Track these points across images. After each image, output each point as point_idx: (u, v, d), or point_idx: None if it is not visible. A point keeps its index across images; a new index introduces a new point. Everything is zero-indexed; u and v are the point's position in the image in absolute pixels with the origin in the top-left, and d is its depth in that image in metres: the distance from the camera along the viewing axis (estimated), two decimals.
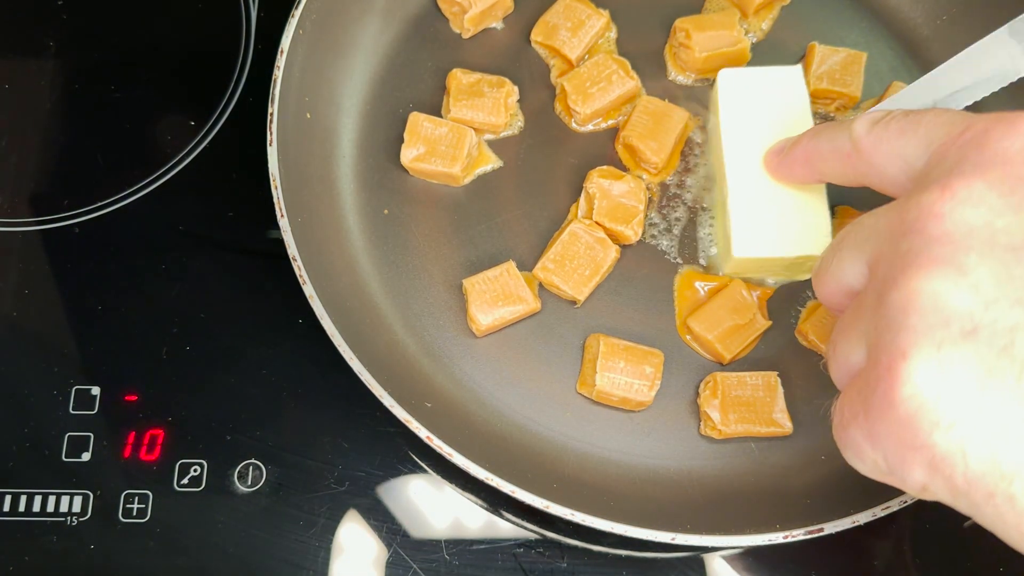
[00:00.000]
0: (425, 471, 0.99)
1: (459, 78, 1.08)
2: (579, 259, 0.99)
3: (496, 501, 0.98)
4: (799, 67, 1.03)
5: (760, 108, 1.01)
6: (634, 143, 1.05)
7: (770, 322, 1.00)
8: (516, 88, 1.08)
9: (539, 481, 0.88)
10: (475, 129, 1.07)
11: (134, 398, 1.00)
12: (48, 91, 1.16)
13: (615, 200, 1.01)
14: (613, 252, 1.00)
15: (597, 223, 1.01)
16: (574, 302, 1.01)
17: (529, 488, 0.85)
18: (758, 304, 1.01)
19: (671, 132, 1.05)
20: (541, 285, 1.02)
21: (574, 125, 1.09)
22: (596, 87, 1.06)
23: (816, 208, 0.97)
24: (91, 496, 0.96)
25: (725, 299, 0.99)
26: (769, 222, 0.97)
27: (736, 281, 1.00)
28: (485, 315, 0.98)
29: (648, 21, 1.14)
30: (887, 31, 1.16)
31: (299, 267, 0.91)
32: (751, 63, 1.11)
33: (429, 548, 0.96)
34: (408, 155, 1.04)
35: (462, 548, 0.96)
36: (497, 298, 0.98)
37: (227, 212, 1.09)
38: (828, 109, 1.10)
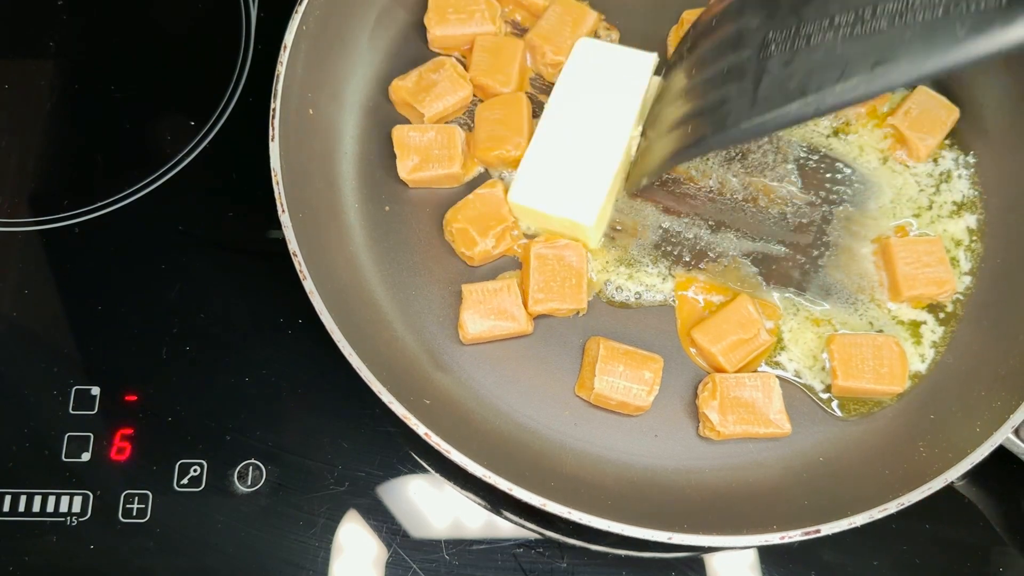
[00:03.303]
0: (425, 471, 1.01)
1: (401, 87, 1.11)
2: (559, 275, 1.02)
3: (496, 501, 1.00)
4: (654, 55, 1.08)
5: (599, 80, 1.07)
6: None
7: (774, 339, 1.03)
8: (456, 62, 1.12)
9: (537, 479, 0.90)
10: (451, 113, 1.12)
11: (134, 398, 1.02)
12: (48, 91, 1.18)
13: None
14: (584, 250, 1.04)
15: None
16: (578, 312, 1.04)
17: (526, 486, 0.87)
18: (763, 319, 1.03)
19: (519, 118, 1.09)
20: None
21: None
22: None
23: (598, 182, 1.02)
24: (91, 496, 0.98)
25: (730, 313, 1.02)
26: (551, 180, 1.03)
27: (742, 296, 1.03)
28: (474, 324, 1.01)
29: (651, 19, 1.18)
30: None
31: (299, 262, 0.93)
32: None
33: (429, 548, 0.98)
34: (405, 168, 1.07)
35: (462, 548, 0.98)
36: (491, 311, 1.01)
37: (227, 212, 1.11)
38: (864, 106, 1.13)
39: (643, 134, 1.06)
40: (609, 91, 1.06)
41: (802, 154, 1.11)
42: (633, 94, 1.06)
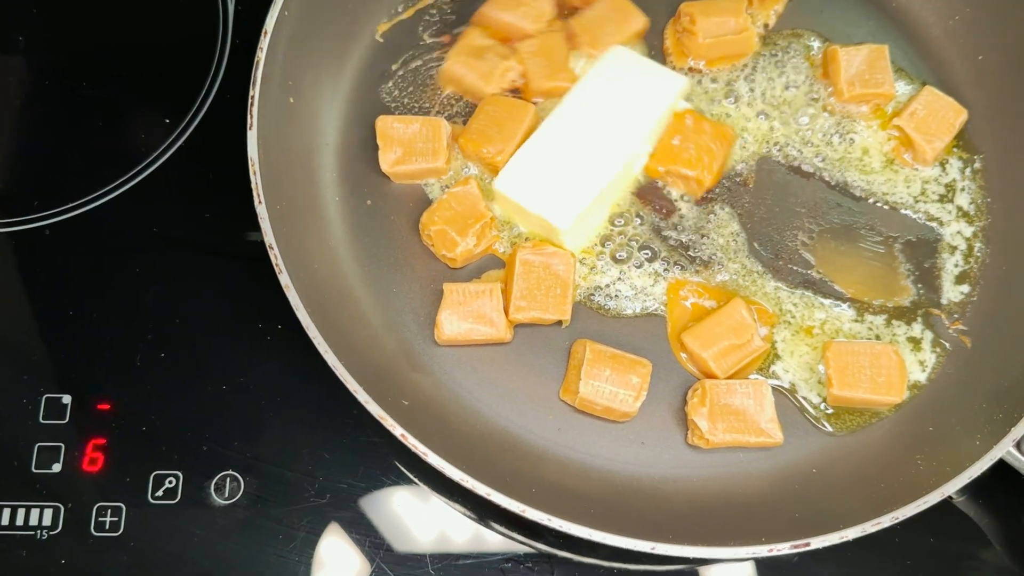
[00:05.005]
0: (410, 482, 1.04)
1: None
2: (544, 283, 1.05)
3: (483, 513, 1.03)
4: (684, 79, 1.11)
5: (621, 90, 1.10)
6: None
7: (768, 345, 1.07)
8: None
9: (517, 485, 0.92)
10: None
11: (107, 407, 1.05)
12: (17, 88, 1.20)
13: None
14: (572, 259, 1.06)
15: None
16: (561, 323, 1.07)
17: (506, 492, 0.89)
18: (757, 324, 1.07)
19: (517, 127, 1.12)
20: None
21: None
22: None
23: (585, 190, 1.06)
24: (62, 509, 1.01)
25: (723, 317, 1.05)
26: (540, 176, 1.07)
27: (736, 300, 1.06)
28: (451, 325, 1.04)
29: (649, 11, 1.21)
30: (896, 30, 1.23)
31: (275, 255, 0.96)
32: (758, 53, 1.19)
33: (413, 563, 1.01)
34: (388, 160, 1.10)
35: (448, 563, 1.01)
36: (469, 314, 1.04)
37: (204, 213, 1.14)
38: (869, 106, 1.17)
39: None
40: (627, 103, 1.09)
41: (800, 158, 1.16)
42: (650, 112, 1.09)
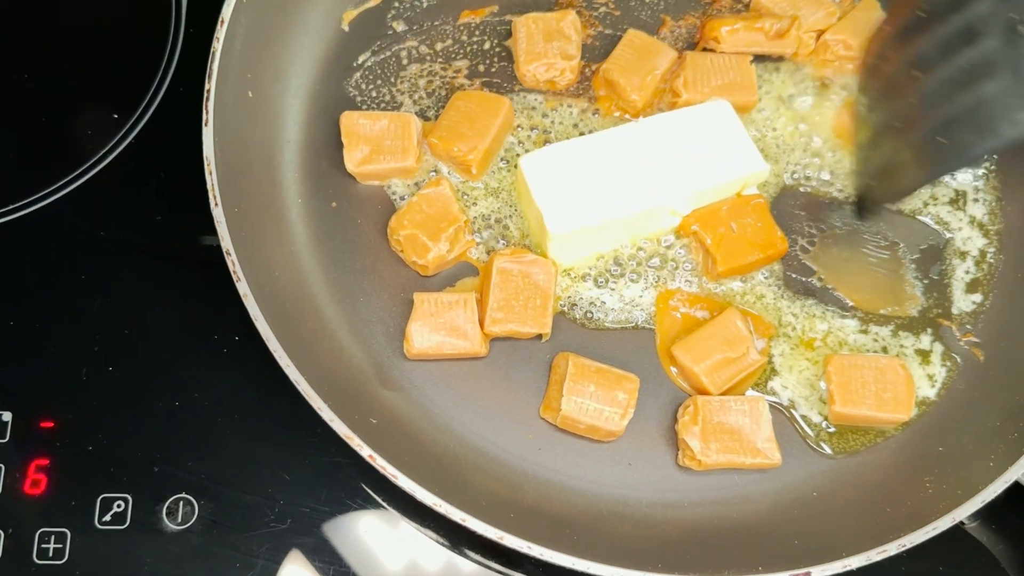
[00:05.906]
0: (378, 506, 1.02)
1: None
2: (522, 293, 1.03)
3: (457, 540, 1.01)
4: (767, 167, 1.08)
5: (700, 143, 1.08)
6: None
7: (765, 359, 1.05)
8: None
9: (494, 510, 0.90)
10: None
11: (50, 424, 1.03)
12: None
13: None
14: (552, 269, 1.05)
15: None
16: (541, 337, 1.05)
17: (482, 517, 0.87)
18: (754, 337, 1.05)
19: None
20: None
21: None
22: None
23: (595, 213, 1.04)
24: (2, 535, 0.98)
25: (717, 329, 1.03)
26: (564, 174, 1.05)
27: (731, 310, 1.05)
28: (421, 338, 1.02)
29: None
30: None
31: (233, 261, 0.94)
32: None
33: None
34: (353, 159, 1.09)
35: None
36: (441, 326, 1.02)
37: (155, 216, 1.13)
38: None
39: (859, 155, 1.12)
40: (694, 158, 1.07)
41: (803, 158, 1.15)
42: (711, 179, 1.07)
